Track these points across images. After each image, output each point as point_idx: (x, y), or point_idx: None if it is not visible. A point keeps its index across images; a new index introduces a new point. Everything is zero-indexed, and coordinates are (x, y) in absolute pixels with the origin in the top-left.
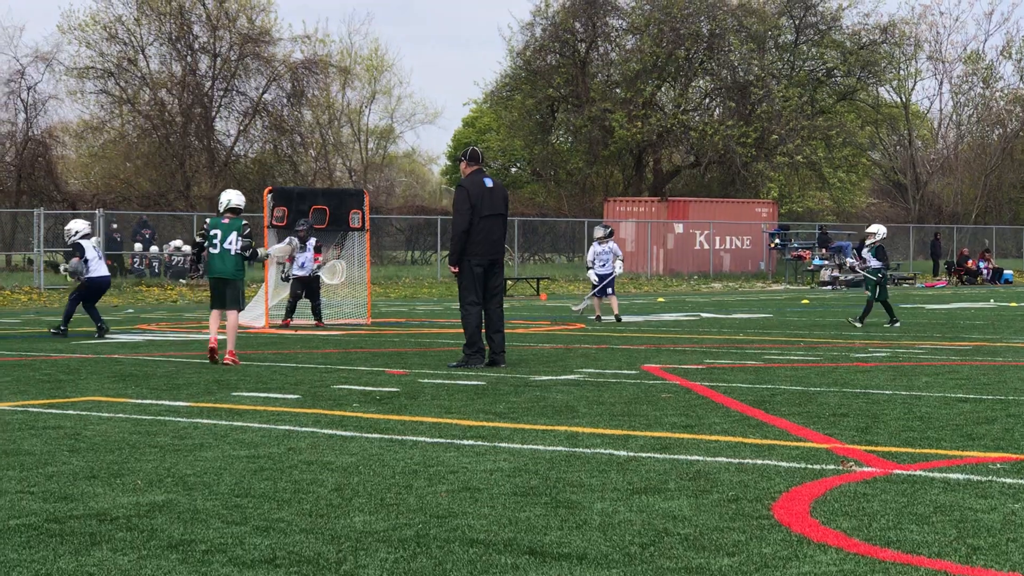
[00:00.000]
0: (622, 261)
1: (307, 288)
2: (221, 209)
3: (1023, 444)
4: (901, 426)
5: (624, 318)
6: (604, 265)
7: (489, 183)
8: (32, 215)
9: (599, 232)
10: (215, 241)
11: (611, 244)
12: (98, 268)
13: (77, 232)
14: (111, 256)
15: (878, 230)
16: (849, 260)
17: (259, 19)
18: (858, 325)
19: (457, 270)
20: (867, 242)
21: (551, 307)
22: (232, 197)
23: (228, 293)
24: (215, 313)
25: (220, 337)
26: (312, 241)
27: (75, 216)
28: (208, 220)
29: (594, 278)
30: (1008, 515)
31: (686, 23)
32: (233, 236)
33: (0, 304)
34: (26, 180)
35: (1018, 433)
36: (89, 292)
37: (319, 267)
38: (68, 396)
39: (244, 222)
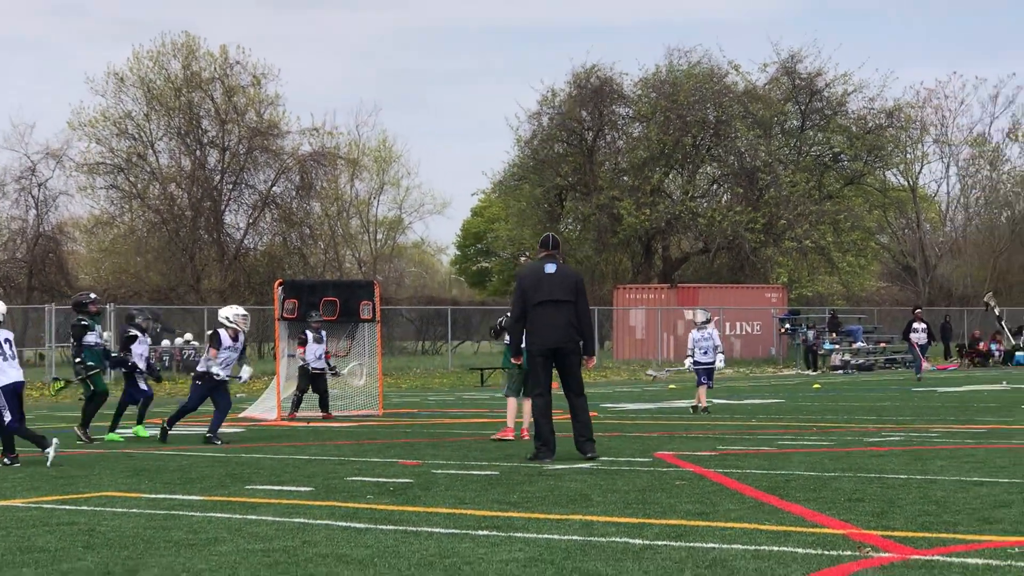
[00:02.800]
0: (723, 354)
1: (314, 381)
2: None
3: None
4: (917, 510)
5: (635, 406)
6: (706, 353)
7: (550, 268)
8: (43, 311)
9: (700, 317)
10: None
11: (711, 330)
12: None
13: None
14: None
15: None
16: (999, 345)
17: (267, 112)
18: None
19: (519, 361)
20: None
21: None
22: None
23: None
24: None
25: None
26: (323, 334)
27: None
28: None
29: (689, 364)
30: None
31: (692, 110)
32: None
33: None
34: (37, 276)
35: None
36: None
37: (334, 368)
38: (81, 492)
39: None
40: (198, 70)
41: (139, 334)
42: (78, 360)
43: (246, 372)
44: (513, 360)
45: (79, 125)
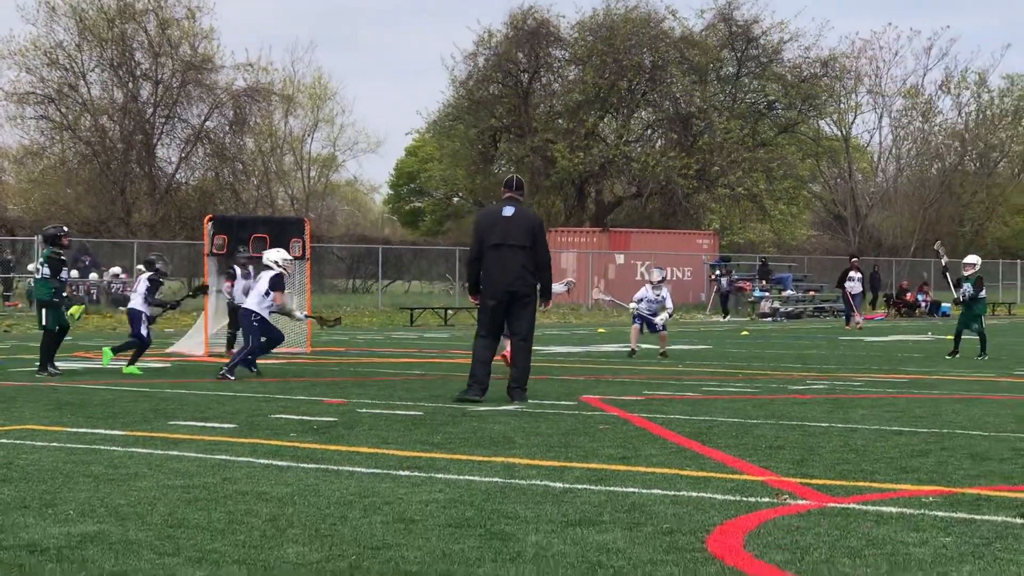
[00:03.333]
0: (670, 313)
1: (233, 317)
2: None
3: (955, 477)
4: (836, 459)
5: (564, 348)
6: (653, 314)
7: (508, 211)
8: None
9: (656, 276)
10: None
11: (665, 293)
12: None
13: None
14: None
15: (976, 261)
16: (960, 291)
17: (201, 46)
18: (985, 358)
19: (475, 300)
20: (966, 274)
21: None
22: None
23: None
24: None
25: None
26: (251, 271)
27: (13, 241)
28: None
29: (633, 308)
30: (939, 549)
31: (628, 54)
32: None
33: None
34: None
35: (951, 466)
36: None
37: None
38: (2, 424)
39: None
40: (132, 1)
41: (161, 280)
42: (55, 291)
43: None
44: (471, 299)
45: (9, 53)
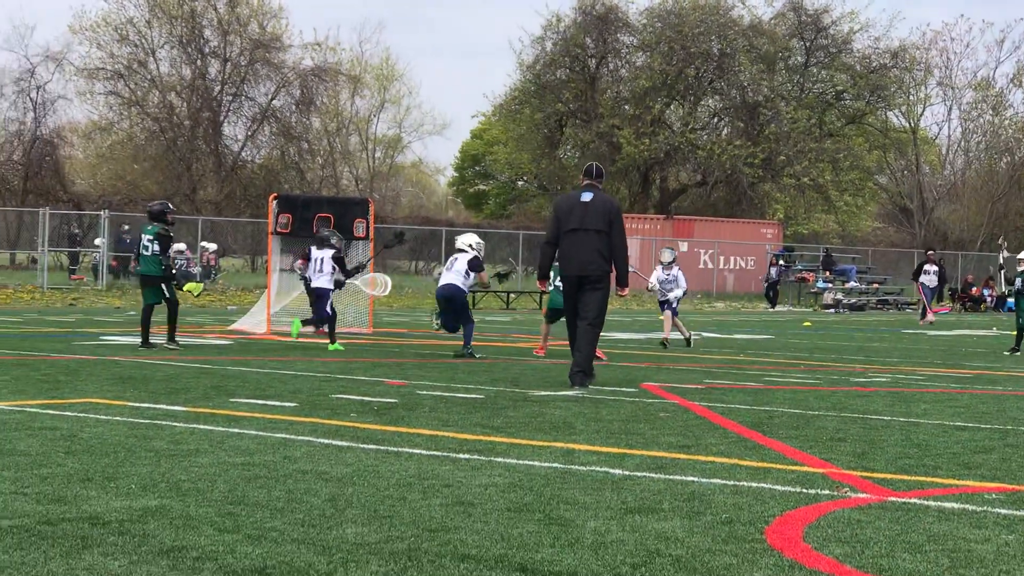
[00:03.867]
0: (684, 291)
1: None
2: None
3: (1020, 474)
4: (898, 453)
5: (625, 335)
6: (663, 295)
7: (586, 197)
8: (38, 214)
9: (667, 256)
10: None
11: (676, 271)
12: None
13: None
14: (121, 258)
15: None
16: (992, 291)
17: (270, 25)
18: (1019, 353)
19: (543, 287)
20: (1020, 268)
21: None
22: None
23: None
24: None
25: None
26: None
27: (80, 216)
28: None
29: (652, 286)
30: (1002, 546)
31: (696, 42)
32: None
33: (3, 302)
34: (33, 179)
35: (1015, 463)
36: None
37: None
38: (66, 397)
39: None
40: None
41: (343, 254)
42: (165, 268)
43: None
44: (538, 284)
45: (80, 29)
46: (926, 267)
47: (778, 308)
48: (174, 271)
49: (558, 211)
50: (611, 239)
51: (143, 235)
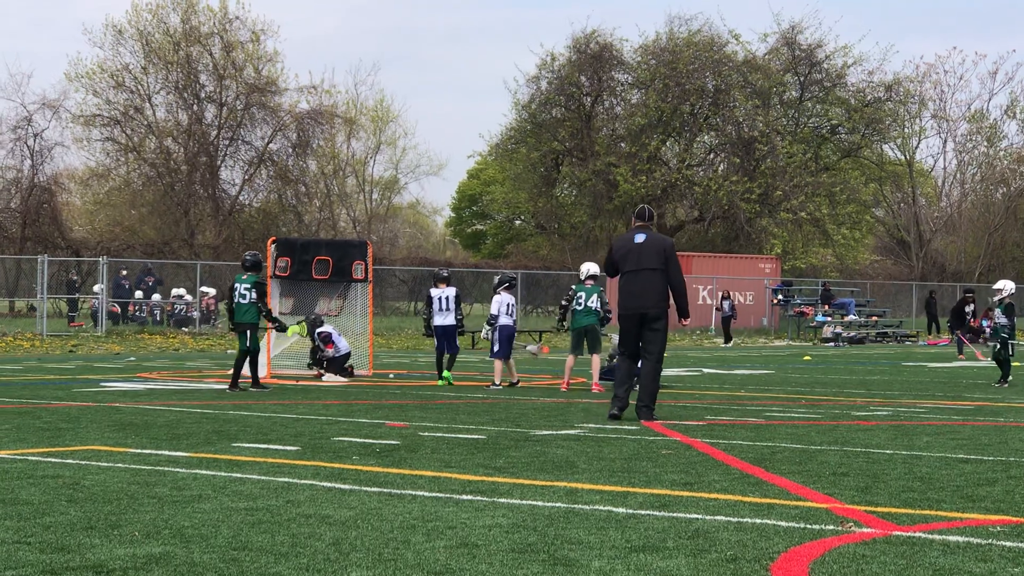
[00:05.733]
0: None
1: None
2: (583, 277)
3: None
4: (901, 486)
5: None
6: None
7: (640, 238)
8: (36, 261)
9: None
10: (580, 300)
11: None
12: None
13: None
14: (119, 303)
15: (1005, 286)
16: (990, 322)
17: (265, 69)
18: (1004, 385)
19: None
20: (995, 299)
21: (552, 360)
22: (592, 267)
23: (592, 340)
24: (573, 357)
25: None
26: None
27: (79, 262)
28: (574, 286)
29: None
30: None
31: (691, 78)
32: (595, 296)
33: (2, 350)
34: (31, 226)
35: (1019, 495)
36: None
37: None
38: (68, 445)
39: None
40: (197, 24)
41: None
42: (265, 315)
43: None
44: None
45: (76, 76)
46: (966, 308)
47: (786, 342)
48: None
49: (614, 255)
50: (668, 275)
51: (238, 284)
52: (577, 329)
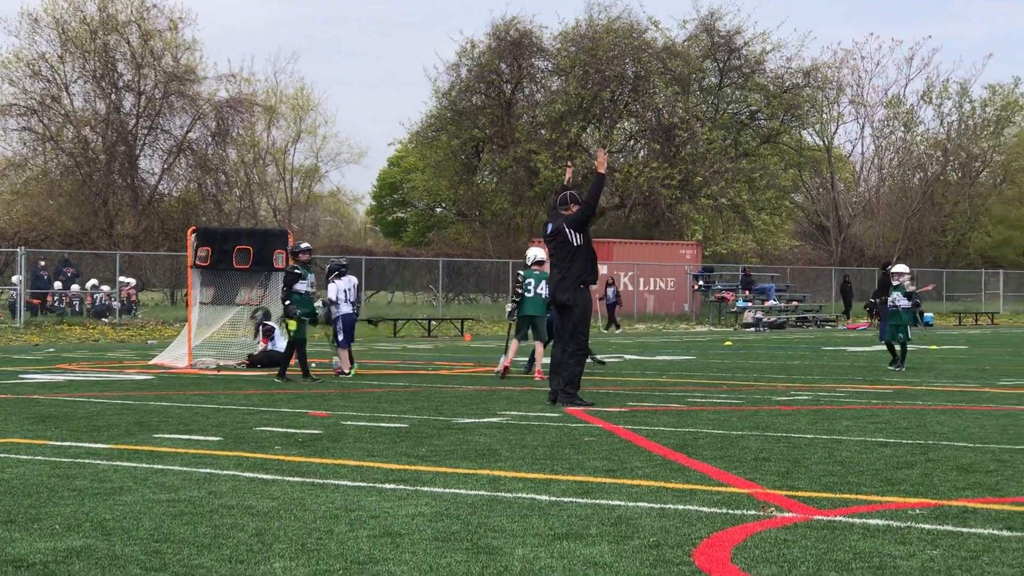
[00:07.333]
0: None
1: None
2: (529, 263)
3: (942, 489)
4: (822, 471)
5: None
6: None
7: (549, 228)
8: None
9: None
10: (529, 287)
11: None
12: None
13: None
14: (37, 295)
15: (903, 270)
16: (897, 300)
17: (184, 58)
18: (901, 369)
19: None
20: (895, 282)
21: (474, 348)
22: (539, 253)
23: (537, 327)
24: (517, 342)
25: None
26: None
27: None
28: (522, 272)
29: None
30: (927, 561)
31: (611, 65)
32: (544, 283)
33: None
34: None
35: (937, 478)
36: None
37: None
38: None
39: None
40: (114, 12)
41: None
42: (287, 303)
43: None
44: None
45: None
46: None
47: (707, 328)
48: (302, 311)
49: (546, 241)
50: (579, 215)
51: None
52: (524, 317)
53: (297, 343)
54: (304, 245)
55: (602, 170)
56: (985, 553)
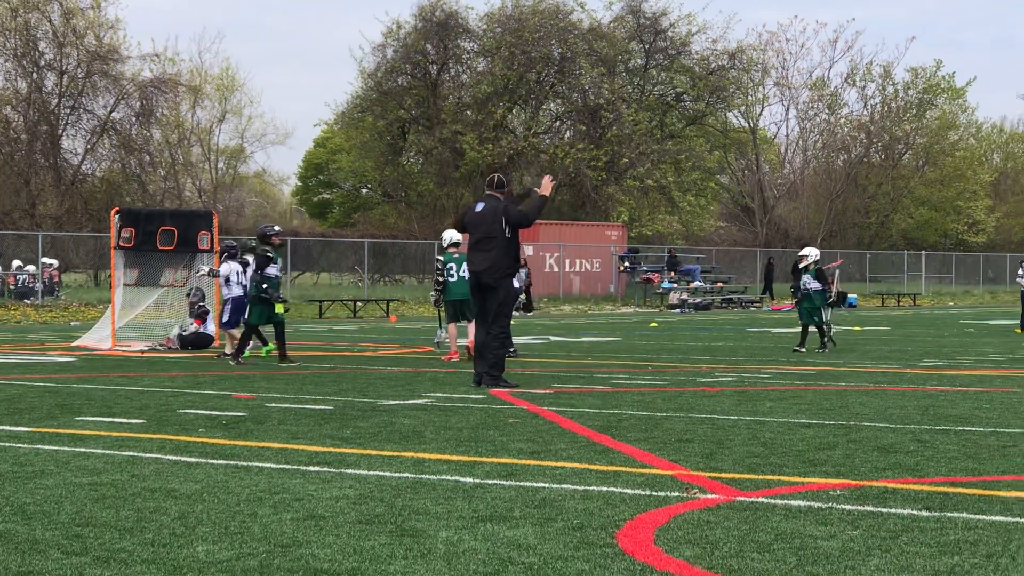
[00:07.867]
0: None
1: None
2: (445, 245)
3: (863, 470)
4: (745, 452)
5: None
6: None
7: (479, 207)
8: None
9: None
10: (452, 271)
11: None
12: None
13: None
14: None
15: (810, 252)
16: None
17: (107, 36)
18: (825, 351)
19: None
20: (802, 265)
21: (400, 329)
22: (455, 235)
23: (467, 309)
24: (454, 326)
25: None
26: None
27: None
28: (442, 256)
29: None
30: (847, 542)
31: (537, 46)
32: (464, 264)
33: None
34: None
35: (858, 459)
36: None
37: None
38: None
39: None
40: None
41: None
42: (268, 288)
43: None
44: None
45: None
46: (1020, 271)
47: (633, 309)
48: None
49: (465, 221)
50: (510, 220)
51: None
52: (451, 301)
53: (276, 325)
54: (276, 228)
55: (546, 193)
56: (904, 533)
